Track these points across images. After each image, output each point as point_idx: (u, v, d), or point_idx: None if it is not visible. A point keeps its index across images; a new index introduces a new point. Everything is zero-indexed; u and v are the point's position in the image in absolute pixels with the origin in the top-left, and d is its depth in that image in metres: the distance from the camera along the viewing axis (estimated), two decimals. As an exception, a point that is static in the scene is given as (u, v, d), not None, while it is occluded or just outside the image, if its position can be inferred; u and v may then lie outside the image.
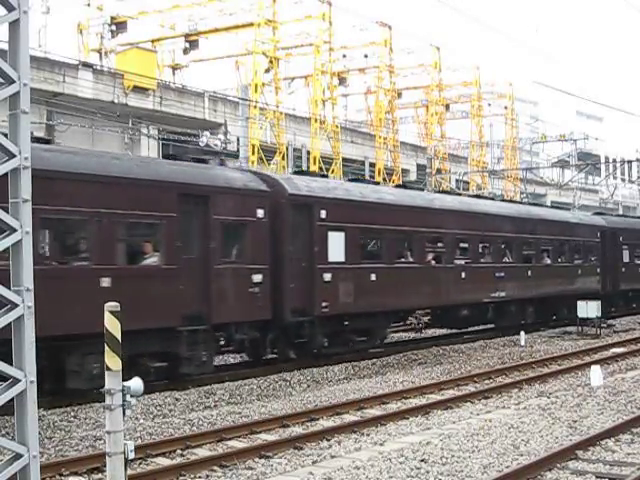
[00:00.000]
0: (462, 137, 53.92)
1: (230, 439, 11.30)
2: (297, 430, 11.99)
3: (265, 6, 35.59)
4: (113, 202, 14.07)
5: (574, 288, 29.47)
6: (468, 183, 49.67)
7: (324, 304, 18.37)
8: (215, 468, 9.76)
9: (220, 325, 16.20)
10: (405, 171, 47.51)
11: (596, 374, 15.33)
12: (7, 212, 4.90)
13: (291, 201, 17.95)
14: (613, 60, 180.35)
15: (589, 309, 25.78)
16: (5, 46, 5.00)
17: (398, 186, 26.43)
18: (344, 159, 40.53)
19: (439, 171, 47.25)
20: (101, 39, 38.36)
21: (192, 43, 39.37)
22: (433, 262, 22.62)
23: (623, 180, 72.65)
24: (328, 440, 11.17)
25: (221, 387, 15.43)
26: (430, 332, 26.71)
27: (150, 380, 14.24)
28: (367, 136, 46.20)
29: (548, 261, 28.51)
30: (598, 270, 31.65)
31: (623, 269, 33.83)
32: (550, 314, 29.16)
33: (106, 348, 6.85)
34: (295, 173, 20.44)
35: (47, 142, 15.83)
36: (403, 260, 21.60)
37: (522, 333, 23.61)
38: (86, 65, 32.39)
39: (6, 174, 4.90)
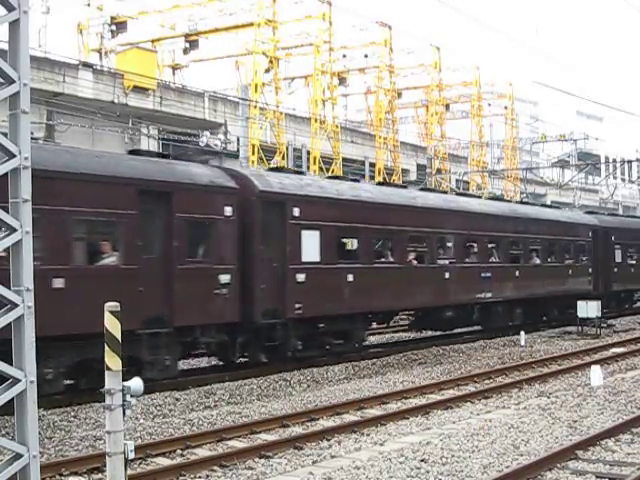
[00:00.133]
0: (462, 137, 53.93)
1: (230, 439, 11.30)
2: (297, 430, 11.99)
3: (265, 6, 35.57)
4: (67, 199, 13.36)
5: (565, 289, 28.94)
6: (468, 183, 49.67)
7: (297, 306, 17.64)
8: (215, 468, 9.77)
9: (184, 328, 15.40)
10: (405, 171, 47.50)
11: (596, 374, 15.34)
12: (7, 212, 4.90)
13: (261, 198, 17.18)
14: (613, 60, 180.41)
15: (589, 309, 25.77)
16: (5, 46, 5.00)
17: (380, 183, 25.63)
18: (344, 159, 40.53)
19: (439, 171, 47.25)
20: (101, 39, 38.36)
21: (192, 43, 39.36)
22: (415, 262, 21.90)
23: (623, 180, 72.61)
24: (328, 440, 11.17)
25: (221, 387, 15.43)
26: (430, 332, 26.63)
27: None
28: (367, 136, 46.19)
29: (537, 261, 27.87)
30: (590, 270, 31.02)
31: (615, 269, 33.14)
32: (540, 315, 28.61)
33: (106, 348, 6.85)
34: (270, 170, 19.64)
35: None
36: (383, 260, 20.87)
37: (522, 333, 23.60)
38: (86, 65, 32.38)
39: (6, 174, 4.90)
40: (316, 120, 38.54)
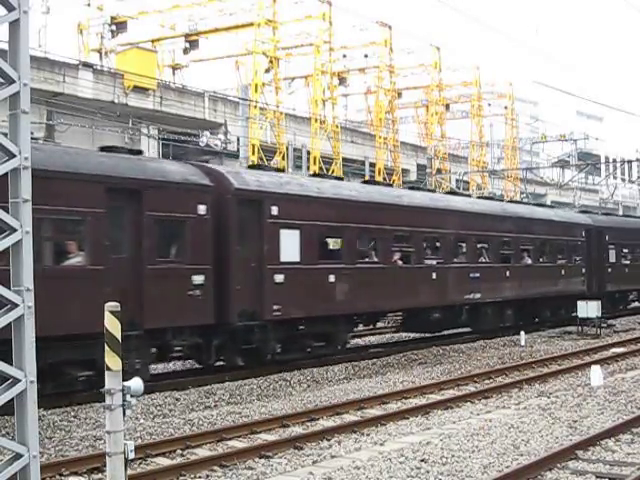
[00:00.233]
0: (462, 137, 53.91)
1: (230, 439, 11.30)
2: (297, 430, 11.99)
3: (265, 6, 35.57)
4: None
5: (557, 289, 28.44)
6: (468, 183, 49.67)
7: (276, 307, 17.07)
8: (215, 468, 9.77)
9: (155, 330, 14.84)
10: (405, 171, 47.50)
11: (596, 374, 15.34)
12: (7, 212, 4.90)
13: (238, 196, 16.65)
14: (613, 60, 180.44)
15: (589, 309, 25.76)
16: (5, 46, 5.01)
17: (365, 182, 25.20)
18: (344, 159, 40.53)
19: (439, 171, 47.26)
20: (101, 39, 38.36)
21: (192, 43, 39.36)
22: (400, 262, 21.32)
23: (623, 180, 72.61)
24: (328, 440, 11.17)
25: (221, 387, 15.43)
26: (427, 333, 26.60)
27: (77, 390, 13.82)
28: (367, 136, 46.20)
29: (528, 261, 27.29)
30: (583, 270, 30.55)
31: (609, 269, 32.57)
32: (531, 316, 27.88)
33: (106, 348, 6.86)
34: (249, 167, 19.08)
35: None
36: (367, 260, 20.35)
37: (522, 333, 23.59)
38: (86, 65, 32.39)
39: (6, 174, 4.90)
40: (316, 120, 38.54)
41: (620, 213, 61.42)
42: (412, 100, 54.77)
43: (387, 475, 9.04)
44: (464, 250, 24.12)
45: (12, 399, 4.89)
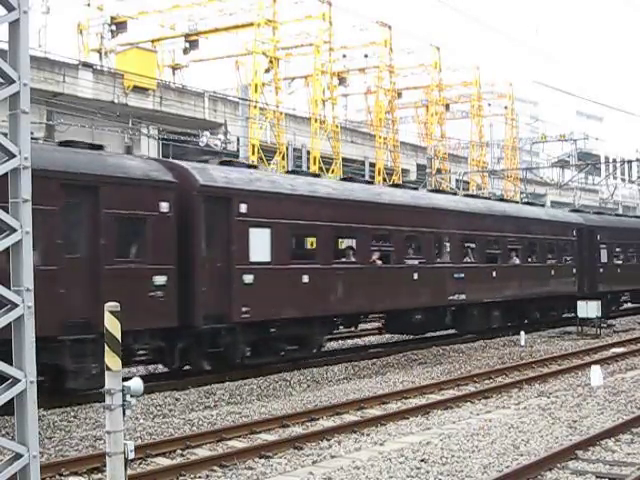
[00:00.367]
0: (462, 137, 53.95)
1: (230, 439, 11.30)
2: (297, 430, 11.99)
3: (265, 6, 35.60)
4: None
5: (547, 290, 27.76)
6: (468, 183, 49.69)
7: (244, 309, 16.29)
8: (215, 468, 9.76)
9: None
10: (405, 171, 47.53)
11: (596, 374, 15.33)
12: (7, 212, 4.90)
13: (203, 193, 15.91)
14: (613, 60, 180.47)
15: (589, 309, 25.73)
16: (5, 46, 5.00)
17: (344, 179, 24.40)
18: (344, 159, 40.55)
19: (439, 171, 47.28)
20: (101, 39, 38.38)
21: (192, 43, 39.38)
22: (380, 262, 20.51)
23: (623, 180, 72.69)
24: (328, 440, 11.17)
25: (221, 387, 15.42)
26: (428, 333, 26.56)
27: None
28: (367, 136, 46.22)
29: (517, 261, 26.46)
30: (574, 271, 29.78)
31: (601, 270, 31.72)
32: (520, 318, 27.05)
33: (106, 348, 6.86)
34: (220, 163, 18.35)
35: None
36: (343, 260, 19.70)
37: (522, 333, 23.57)
38: (86, 65, 32.40)
39: (6, 174, 4.90)
40: (316, 120, 38.55)
41: (620, 212, 61.40)
42: (412, 100, 54.84)
43: (387, 475, 9.04)
44: (448, 250, 23.42)
45: (12, 399, 4.89)
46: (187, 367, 16.41)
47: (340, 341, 24.52)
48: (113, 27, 38.11)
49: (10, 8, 4.85)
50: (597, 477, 8.99)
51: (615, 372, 17.47)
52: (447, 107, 52.50)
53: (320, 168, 37.47)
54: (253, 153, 34.36)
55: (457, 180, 47.98)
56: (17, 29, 4.89)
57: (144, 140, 33.02)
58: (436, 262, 22.64)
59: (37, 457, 4.95)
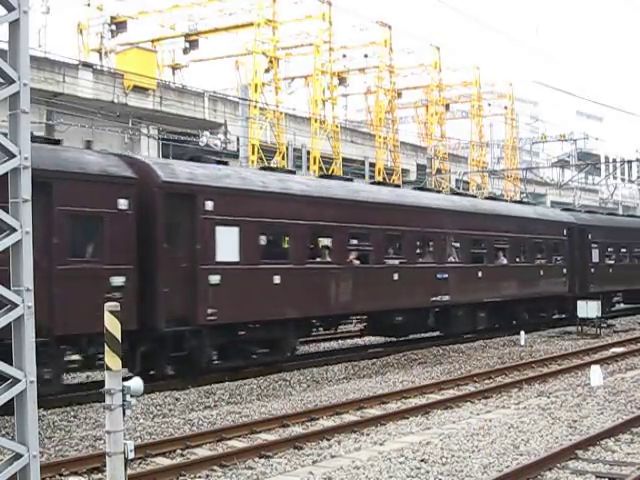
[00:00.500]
0: (462, 137, 53.93)
1: (230, 439, 11.30)
2: (297, 430, 11.99)
3: (265, 6, 35.59)
4: None
5: (536, 291, 27.11)
6: (468, 183, 49.69)
7: (210, 311, 15.62)
8: (215, 468, 9.77)
9: (67, 337, 13.56)
10: (405, 171, 47.53)
11: (596, 374, 15.33)
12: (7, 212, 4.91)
13: (165, 189, 15.19)
14: (613, 60, 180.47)
15: (589, 309, 25.72)
16: (5, 46, 5.01)
17: (322, 176, 23.22)
18: (344, 159, 40.54)
19: (439, 171, 47.27)
20: (101, 39, 38.37)
21: (192, 43, 39.38)
22: (357, 262, 19.83)
23: (623, 180, 72.68)
24: (328, 440, 11.17)
25: (221, 387, 15.43)
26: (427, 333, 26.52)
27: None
28: (367, 136, 46.22)
29: (504, 261, 25.75)
30: (564, 271, 29.09)
31: (592, 270, 30.99)
32: (508, 319, 26.37)
33: (106, 348, 6.86)
34: (189, 159, 17.67)
35: None
36: (319, 260, 18.96)
37: (522, 333, 23.57)
38: (86, 65, 32.40)
39: (6, 174, 4.91)
40: (316, 120, 38.55)
41: (620, 212, 61.39)
42: (412, 100, 54.82)
43: (387, 475, 9.04)
44: (431, 249, 22.77)
45: (12, 399, 4.89)
46: (152, 372, 15.56)
47: (340, 341, 24.54)
48: (113, 27, 38.11)
49: (10, 8, 4.86)
50: (597, 477, 8.99)
51: (615, 372, 17.47)
52: (447, 107, 52.49)
53: (320, 168, 37.48)
54: (253, 153, 34.35)
55: (457, 180, 47.98)
56: (17, 29, 4.89)
57: (144, 140, 33.02)
58: (418, 262, 22.05)
59: (37, 457, 4.96)
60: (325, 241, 19.83)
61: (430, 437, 11.00)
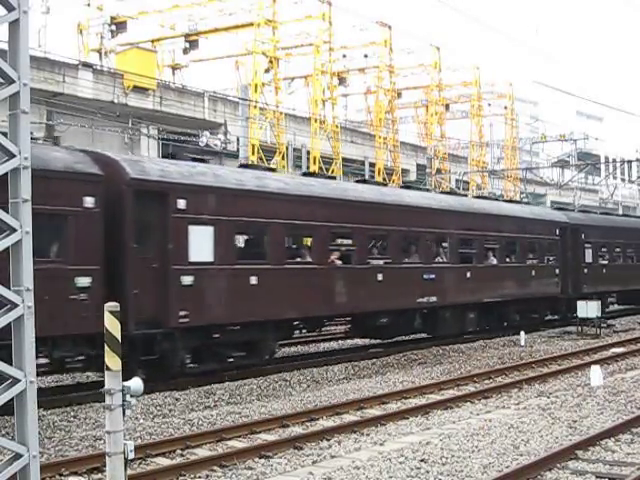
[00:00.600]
0: (462, 137, 53.94)
1: (230, 439, 11.30)
2: (297, 430, 11.99)
3: (265, 6, 35.58)
4: None
5: (527, 291, 26.60)
6: (468, 183, 49.70)
7: (182, 313, 15.14)
8: (215, 468, 9.77)
9: None
10: (405, 171, 47.53)
11: (596, 374, 15.34)
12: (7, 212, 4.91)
13: (134, 187, 14.67)
14: (613, 60, 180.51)
15: (589, 309, 25.71)
16: (5, 46, 5.01)
17: (305, 174, 22.90)
18: (344, 159, 40.55)
19: (439, 171, 47.28)
20: (101, 39, 38.37)
21: (192, 43, 39.38)
22: (339, 262, 19.37)
23: (623, 180, 72.62)
24: (328, 440, 11.17)
25: (221, 387, 15.43)
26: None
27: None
28: (367, 136, 46.22)
29: (494, 261, 25.14)
30: (557, 271, 28.57)
31: (586, 270, 30.41)
32: (498, 320, 25.85)
33: (106, 348, 6.86)
34: (164, 157, 16.85)
35: None
36: (298, 260, 18.57)
37: (522, 333, 23.56)
38: (86, 65, 32.40)
39: (6, 174, 4.91)
40: (316, 120, 38.55)
41: (620, 212, 61.40)
42: (412, 100, 54.83)
43: (387, 475, 9.04)
44: (417, 249, 22.12)
45: (12, 399, 4.90)
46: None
47: (340, 341, 24.54)
48: (113, 27, 38.10)
49: (10, 8, 4.86)
50: (597, 477, 8.99)
51: (615, 372, 17.47)
52: (447, 107, 52.48)
53: (320, 168, 37.47)
54: (253, 153, 34.35)
55: (457, 180, 47.99)
56: (17, 29, 4.90)
57: (144, 140, 33.03)
58: (403, 262, 21.50)
59: (37, 457, 4.96)
60: (304, 240, 19.46)
61: (430, 437, 11.00)
